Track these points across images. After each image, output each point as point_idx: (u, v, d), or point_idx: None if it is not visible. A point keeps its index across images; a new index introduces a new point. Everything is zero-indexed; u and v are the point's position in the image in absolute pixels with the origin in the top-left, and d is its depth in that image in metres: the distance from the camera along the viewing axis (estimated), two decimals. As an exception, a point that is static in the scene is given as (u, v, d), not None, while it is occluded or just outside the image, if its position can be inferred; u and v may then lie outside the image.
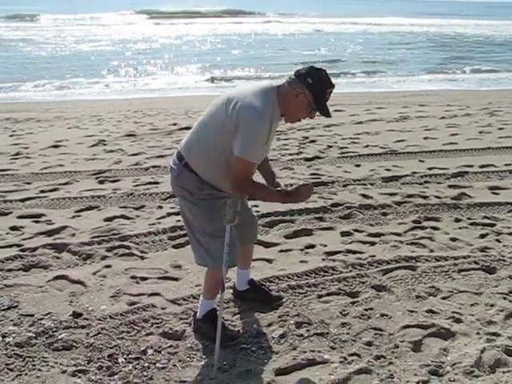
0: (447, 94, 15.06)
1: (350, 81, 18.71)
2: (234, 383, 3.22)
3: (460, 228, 5.57)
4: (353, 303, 4.09)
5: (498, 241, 5.27)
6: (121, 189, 6.62)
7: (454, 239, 5.26)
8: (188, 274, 4.51)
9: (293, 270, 4.57)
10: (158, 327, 3.77)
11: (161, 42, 30.59)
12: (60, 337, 3.62)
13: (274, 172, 3.68)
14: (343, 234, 5.39)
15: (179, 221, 5.49)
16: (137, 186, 6.76)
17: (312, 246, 5.09)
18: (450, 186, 6.82)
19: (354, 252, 4.96)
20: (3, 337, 3.61)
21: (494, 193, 6.65)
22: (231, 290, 4.14)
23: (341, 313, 3.95)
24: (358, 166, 7.71)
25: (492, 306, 4.09)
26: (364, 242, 5.19)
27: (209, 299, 3.68)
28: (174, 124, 10.37)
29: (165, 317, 3.88)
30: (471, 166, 7.67)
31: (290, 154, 8.14)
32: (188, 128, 9.62)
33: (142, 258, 4.84)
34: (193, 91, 15.81)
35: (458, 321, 3.87)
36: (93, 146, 8.78)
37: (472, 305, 4.10)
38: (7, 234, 5.33)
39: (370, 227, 5.57)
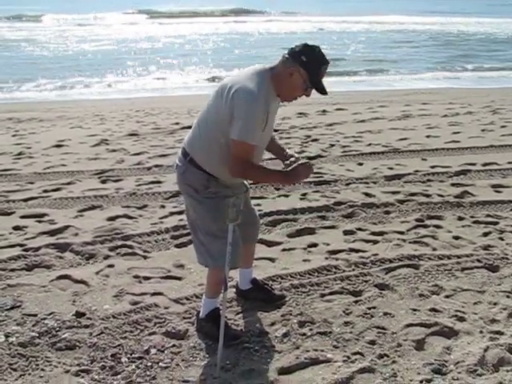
0: (449, 92, 15.03)
1: (353, 79, 18.67)
2: (237, 382, 3.22)
3: (463, 226, 5.57)
4: (356, 302, 4.09)
5: (501, 239, 5.26)
6: (123, 188, 6.63)
7: (456, 237, 5.26)
8: (191, 273, 4.52)
9: (296, 268, 4.57)
10: (161, 327, 3.77)
11: (163, 42, 30.56)
12: (63, 336, 3.63)
13: (283, 147, 3.65)
14: (346, 232, 5.39)
15: (182, 220, 5.51)
16: (139, 185, 6.76)
17: (315, 245, 5.09)
18: (452, 185, 6.81)
19: (357, 251, 4.95)
20: (6, 337, 3.62)
21: (496, 191, 6.63)
22: (234, 289, 4.14)
23: (344, 312, 3.95)
24: (361, 164, 7.71)
25: (495, 304, 4.09)
26: (367, 241, 5.19)
27: (211, 298, 3.69)
28: (177, 123, 10.37)
29: (168, 316, 3.89)
30: (474, 164, 7.65)
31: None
32: (190, 127, 9.66)
33: (145, 257, 4.85)
34: (195, 90, 15.79)
35: (461, 319, 3.86)
36: (95, 145, 8.79)
37: (475, 303, 4.10)
38: (10, 233, 5.33)
39: (372, 226, 5.56)
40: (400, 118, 10.97)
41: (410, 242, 5.15)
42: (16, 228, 5.46)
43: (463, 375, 3.27)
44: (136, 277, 4.46)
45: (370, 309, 3.99)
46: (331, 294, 4.21)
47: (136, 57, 23.80)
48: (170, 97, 14.86)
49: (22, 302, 4.05)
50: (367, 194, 6.41)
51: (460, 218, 5.77)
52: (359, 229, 5.47)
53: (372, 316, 3.90)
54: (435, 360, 3.41)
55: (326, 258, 4.80)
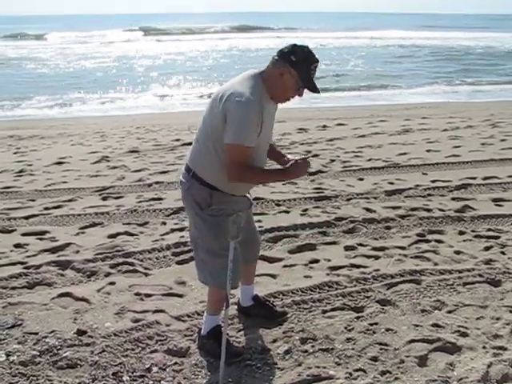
0: (449, 106, 15.09)
1: (353, 94, 18.77)
2: (239, 400, 3.21)
3: (464, 241, 5.56)
4: (357, 318, 4.07)
5: (503, 253, 5.25)
6: (124, 205, 6.63)
7: (458, 252, 5.25)
8: (192, 290, 4.50)
9: (297, 285, 4.56)
10: (162, 344, 3.75)
11: (163, 58, 30.78)
12: (64, 355, 3.61)
13: (284, 153, 3.62)
14: (347, 248, 5.38)
15: (183, 237, 5.51)
16: (140, 202, 6.77)
17: (316, 261, 5.08)
18: (453, 199, 6.81)
19: (358, 266, 4.94)
20: (7, 355, 3.60)
21: (497, 205, 6.63)
22: (235, 306, 4.13)
23: (346, 328, 3.93)
24: (361, 179, 7.71)
25: (498, 319, 4.07)
26: (368, 256, 5.18)
27: (213, 315, 3.68)
28: (177, 140, 10.40)
29: (169, 334, 3.87)
30: (474, 178, 7.66)
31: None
32: (191, 143, 9.67)
33: (146, 274, 4.84)
34: (195, 106, 15.86)
35: (464, 335, 3.84)
36: (96, 162, 8.81)
37: (478, 318, 4.08)
38: (11, 251, 5.33)
39: (373, 241, 5.55)
40: (400, 133, 10.99)
41: (411, 257, 5.14)
42: (17, 246, 5.45)
43: (467, 391, 3.25)
44: (137, 294, 4.45)
45: (371, 325, 3.97)
46: (333, 310, 4.19)
47: (136, 74, 23.95)
48: (171, 113, 14.92)
49: (23, 321, 4.04)
50: (368, 210, 6.40)
51: (461, 233, 5.76)
52: (360, 244, 5.46)
53: (374, 332, 3.89)
54: (438, 376, 3.39)
55: (328, 274, 4.78)
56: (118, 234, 5.74)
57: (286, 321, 4.02)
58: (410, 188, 7.20)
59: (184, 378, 3.42)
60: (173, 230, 5.81)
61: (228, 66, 26.69)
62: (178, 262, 5.07)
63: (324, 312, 4.16)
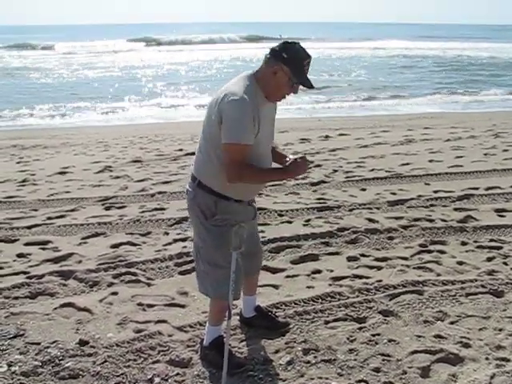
0: (452, 117, 15.10)
1: (355, 104, 18.80)
2: (241, 411, 3.20)
3: (467, 251, 5.55)
4: (360, 329, 4.06)
5: (506, 264, 5.24)
6: (127, 215, 6.64)
7: (460, 263, 5.24)
8: (195, 300, 4.50)
9: (299, 295, 4.56)
10: (164, 355, 3.75)
11: (167, 68, 30.87)
12: (66, 365, 3.61)
13: (285, 153, 3.59)
14: (350, 258, 5.38)
15: (185, 247, 5.52)
16: (143, 212, 6.77)
17: (318, 272, 5.07)
18: (455, 209, 6.81)
19: (361, 277, 4.94)
20: (9, 366, 3.60)
21: (500, 215, 6.62)
22: (238, 317, 4.13)
23: (348, 339, 3.93)
24: (364, 190, 7.71)
25: (501, 330, 4.06)
26: (370, 267, 5.17)
27: (215, 326, 3.68)
28: (180, 149, 10.42)
29: (172, 344, 3.87)
30: (477, 189, 7.65)
31: (296, 179, 8.13)
32: (194, 153, 9.68)
33: (149, 284, 4.84)
34: (198, 117, 15.88)
35: (467, 346, 3.83)
36: (99, 172, 8.83)
37: (480, 329, 4.07)
38: (14, 261, 5.33)
39: (376, 252, 5.55)
40: (403, 143, 11.00)
41: (413, 268, 5.13)
42: (20, 255, 5.46)
43: (469, 403, 3.24)
44: (140, 304, 4.45)
45: (374, 336, 3.97)
46: (335, 320, 4.19)
47: (139, 84, 24.01)
48: (174, 123, 14.95)
49: (25, 331, 4.04)
50: (370, 220, 6.40)
51: (463, 243, 5.75)
52: (363, 255, 5.46)
53: (376, 343, 3.88)
54: (441, 388, 3.38)
55: (330, 285, 4.78)
56: (121, 244, 5.75)
57: (288, 331, 4.01)
58: (413, 198, 7.20)
59: (186, 389, 3.41)
60: (175, 241, 5.82)
61: (232, 76, 26.73)
62: (181, 273, 5.07)
63: (326, 323, 4.15)
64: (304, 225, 6.26)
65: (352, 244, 5.76)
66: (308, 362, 3.67)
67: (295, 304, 4.43)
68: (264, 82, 3.23)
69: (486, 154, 9.89)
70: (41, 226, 6.30)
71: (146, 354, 3.76)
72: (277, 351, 3.79)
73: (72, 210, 6.85)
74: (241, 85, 3.19)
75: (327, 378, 3.48)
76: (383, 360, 3.67)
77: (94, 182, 8.20)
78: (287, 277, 4.97)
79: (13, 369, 3.56)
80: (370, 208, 6.85)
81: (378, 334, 3.99)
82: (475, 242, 5.79)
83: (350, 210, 6.77)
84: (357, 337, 3.95)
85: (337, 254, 5.51)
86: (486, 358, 3.69)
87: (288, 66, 3.14)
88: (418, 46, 52.89)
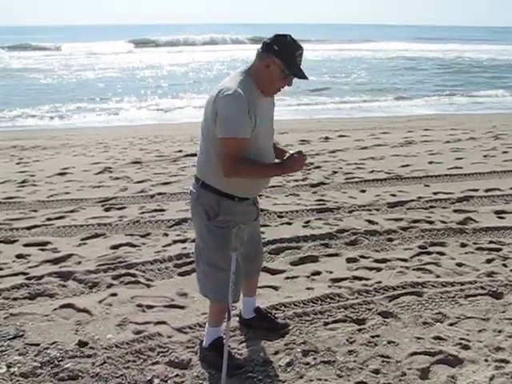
0: (451, 118, 15.10)
1: (355, 106, 18.80)
2: (240, 413, 3.20)
3: (466, 253, 5.55)
4: (359, 330, 4.06)
5: (505, 265, 5.24)
6: (127, 216, 6.64)
7: (460, 264, 5.24)
8: (194, 302, 4.50)
9: (299, 297, 4.56)
10: (164, 356, 3.75)
11: (167, 70, 30.88)
12: (65, 366, 3.61)
13: (285, 149, 3.57)
14: (349, 260, 5.38)
15: (185, 248, 5.52)
16: (143, 213, 6.77)
17: (318, 273, 5.07)
18: (455, 211, 6.81)
19: (360, 278, 4.94)
20: (8, 367, 3.60)
21: (499, 217, 6.63)
22: (237, 318, 4.13)
23: (347, 340, 3.93)
24: (364, 191, 7.71)
25: (500, 331, 4.06)
26: (370, 268, 5.17)
27: (214, 327, 3.68)
28: (180, 151, 10.42)
29: (171, 345, 3.87)
30: (476, 190, 7.66)
31: (295, 180, 8.15)
32: (193, 155, 9.71)
33: (148, 286, 4.84)
34: (198, 118, 15.84)
35: (466, 347, 3.84)
36: (99, 173, 8.82)
37: (480, 331, 4.07)
38: (13, 262, 5.33)
39: (375, 253, 5.55)
40: (402, 145, 11.00)
41: (413, 270, 5.13)
42: (19, 256, 5.46)
43: (469, 405, 3.24)
44: (139, 305, 4.45)
45: (373, 337, 3.97)
46: (335, 322, 4.19)
47: (140, 85, 24.02)
48: (173, 124, 14.94)
49: (25, 332, 4.04)
50: (370, 221, 6.40)
51: (463, 245, 5.76)
52: (362, 256, 5.46)
53: (376, 344, 3.88)
54: (440, 389, 3.39)
55: (330, 286, 4.78)
56: (121, 245, 5.75)
57: (287, 333, 4.01)
58: (412, 200, 7.20)
59: (185, 390, 3.41)
60: (175, 242, 5.82)
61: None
62: (180, 274, 5.07)
63: (326, 324, 4.15)
64: (304, 226, 6.26)
65: (351, 245, 5.76)
66: (307, 363, 3.67)
67: (295, 305, 4.43)
68: (257, 76, 3.23)
69: (485, 156, 9.89)
70: (40, 226, 6.30)
71: (146, 355, 3.76)
72: (276, 352, 3.79)
73: (71, 211, 6.85)
74: (235, 80, 3.20)
75: (326, 380, 3.48)
76: (382, 361, 3.68)
77: (93, 183, 8.20)
78: (287, 278, 4.97)
79: (12, 370, 3.56)
80: (369, 209, 6.86)
81: (378, 336, 3.99)
82: (475, 243, 5.79)
83: (350, 212, 6.78)
84: (356, 338, 3.95)
85: (336, 255, 5.51)
86: (486, 360, 3.69)
87: (280, 58, 3.14)
88: (419, 48, 52.95)
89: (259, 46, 3.25)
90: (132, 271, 5.07)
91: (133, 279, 4.92)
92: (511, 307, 4.43)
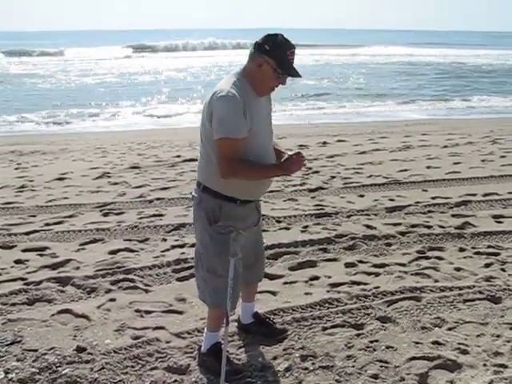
0: (449, 123, 15.14)
1: (353, 110, 18.81)
2: (239, 418, 3.19)
3: (464, 257, 5.55)
4: (358, 335, 4.06)
5: (503, 270, 5.24)
6: (125, 221, 6.64)
7: (458, 269, 5.24)
8: (192, 307, 4.50)
9: (297, 302, 4.56)
10: (162, 361, 3.74)
11: (166, 75, 30.90)
12: (64, 372, 3.60)
13: (284, 150, 3.56)
14: (347, 265, 5.38)
15: (183, 253, 5.52)
16: (141, 218, 6.77)
17: (316, 278, 5.07)
18: (453, 216, 6.81)
19: (359, 283, 4.94)
20: (6, 373, 3.59)
21: (497, 221, 6.63)
22: (236, 323, 4.13)
23: (346, 345, 3.93)
24: (362, 196, 7.72)
25: (498, 336, 4.06)
26: (368, 273, 5.17)
27: (213, 332, 3.68)
28: (178, 156, 10.42)
29: (169, 351, 3.86)
30: (474, 195, 7.67)
31: (294, 185, 8.15)
32: (192, 160, 9.72)
33: (147, 291, 4.83)
34: (196, 123, 15.84)
35: (465, 352, 3.84)
36: (97, 178, 8.82)
37: (478, 336, 4.07)
38: (12, 267, 5.33)
39: (374, 258, 5.55)
40: (400, 149, 11.01)
41: (411, 274, 5.14)
42: (17, 261, 5.45)
43: (467, 410, 3.24)
44: (137, 311, 4.45)
45: (372, 342, 3.97)
46: (333, 327, 4.19)
47: (138, 90, 24.03)
48: (172, 129, 14.94)
49: (23, 337, 4.03)
50: (368, 226, 6.40)
51: (461, 250, 5.76)
52: (360, 261, 5.46)
53: (374, 349, 3.88)
54: (439, 394, 3.38)
55: (328, 291, 4.78)
56: (119, 250, 5.75)
57: (286, 338, 4.01)
58: (411, 205, 7.21)
59: (184, 396, 3.41)
60: (173, 247, 5.81)
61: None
62: (179, 279, 5.07)
63: (324, 329, 4.15)
64: (302, 231, 6.27)
65: (350, 250, 5.76)
66: (306, 368, 3.67)
67: (293, 310, 4.42)
68: (251, 76, 3.25)
69: (483, 161, 9.91)
70: (39, 232, 6.30)
71: (144, 360, 3.75)
72: (275, 358, 3.79)
73: (70, 216, 6.85)
74: (229, 82, 3.22)
75: (325, 385, 3.48)
76: (381, 366, 3.67)
77: (92, 188, 8.20)
78: (285, 283, 4.98)
79: (10, 376, 3.56)
80: (367, 214, 6.86)
81: (376, 341, 3.98)
82: (473, 248, 5.80)
83: (348, 217, 6.78)
84: (355, 343, 3.95)
85: (335, 260, 5.51)
86: (484, 365, 3.69)
87: (272, 57, 3.15)
88: (417, 53, 53.04)
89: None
90: (130, 276, 5.06)
91: (131, 284, 4.92)
92: (510, 312, 4.43)
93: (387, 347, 3.90)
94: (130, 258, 5.50)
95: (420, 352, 3.83)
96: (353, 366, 3.67)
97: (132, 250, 5.74)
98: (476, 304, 4.56)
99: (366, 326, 4.20)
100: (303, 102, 20.24)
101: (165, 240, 6.05)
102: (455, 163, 9.68)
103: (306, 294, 4.75)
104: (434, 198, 7.54)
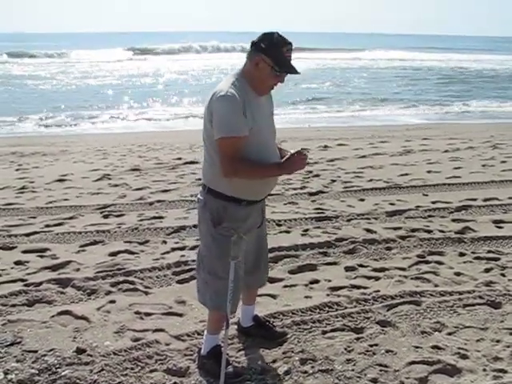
0: (450, 127, 15.15)
1: (354, 114, 18.83)
2: (238, 421, 3.19)
3: (464, 262, 5.55)
4: (357, 339, 4.06)
5: (503, 275, 5.24)
6: (125, 223, 6.64)
7: (458, 274, 5.24)
8: (192, 309, 4.50)
9: (297, 305, 4.56)
10: (162, 364, 3.74)
11: (167, 77, 30.93)
12: (63, 373, 3.60)
13: (283, 149, 3.56)
14: (347, 268, 5.38)
15: (183, 256, 5.52)
16: (141, 220, 6.77)
17: (316, 281, 5.07)
18: (453, 220, 6.82)
19: (359, 287, 4.94)
20: (5, 374, 3.59)
21: (497, 226, 6.64)
22: (236, 326, 4.13)
23: (345, 349, 3.92)
24: (362, 200, 7.72)
25: (498, 341, 4.05)
26: (368, 277, 5.17)
27: (213, 334, 3.68)
28: (179, 158, 10.43)
29: (169, 353, 3.86)
30: (475, 200, 7.67)
31: (294, 189, 8.16)
32: (192, 162, 9.74)
33: (147, 293, 4.83)
34: (197, 125, 15.88)
35: (464, 357, 3.83)
36: (98, 180, 8.83)
37: (478, 340, 4.07)
38: (12, 268, 5.33)
39: (374, 262, 5.55)
40: (401, 154, 11.02)
41: (411, 279, 5.13)
42: (17, 263, 5.45)
43: (466, 414, 3.23)
44: (137, 313, 4.45)
45: (371, 346, 3.97)
46: (333, 331, 4.19)
47: (139, 92, 24.04)
48: (172, 132, 14.96)
49: (23, 338, 4.03)
50: (368, 230, 6.40)
51: (461, 254, 5.76)
52: (361, 265, 5.46)
53: (374, 353, 3.88)
54: (438, 399, 3.38)
55: (328, 295, 4.78)
56: (119, 252, 5.75)
57: (285, 341, 4.01)
58: (411, 209, 7.21)
59: (183, 398, 3.41)
60: (173, 249, 5.81)
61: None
62: (179, 281, 5.07)
63: (324, 333, 4.15)
64: (302, 235, 6.27)
65: (350, 254, 5.76)
66: (305, 372, 3.66)
67: (293, 314, 4.42)
68: (249, 75, 3.26)
69: (484, 165, 9.92)
70: (39, 233, 6.30)
71: (144, 362, 3.75)
72: (274, 361, 3.79)
73: (70, 218, 6.85)
74: (228, 82, 3.23)
75: (324, 389, 3.48)
76: (380, 370, 3.67)
77: (92, 189, 8.20)
78: (285, 286, 4.98)
79: (9, 377, 3.55)
80: (368, 218, 6.86)
81: (376, 345, 3.98)
82: (473, 252, 5.80)
83: (348, 221, 6.78)
84: (354, 347, 3.95)
85: (335, 264, 5.51)
86: (484, 370, 3.69)
87: (268, 55, 3.16)
88: (419, 57, 53.11)
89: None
90: (130, 278, 5.06)
91: (131, 286, 4.92)
92: (509, 317, 4.42)
93: (387, 351, 3.90)
94: (130, 260, 5.50)
95: (420, 356, 3.83)
96: (352, 370, 3.67)
97: (132, 252, 5.74)
98: (476, 309, 4.56)
99: (365, 330, 4.20)
100: (304, 106, 20.25)
101: (165, 242, 6.05)
102: (456, 168, 9.68)
103: (306, 297, 4.74)
104: (434, 203, 7.54)
